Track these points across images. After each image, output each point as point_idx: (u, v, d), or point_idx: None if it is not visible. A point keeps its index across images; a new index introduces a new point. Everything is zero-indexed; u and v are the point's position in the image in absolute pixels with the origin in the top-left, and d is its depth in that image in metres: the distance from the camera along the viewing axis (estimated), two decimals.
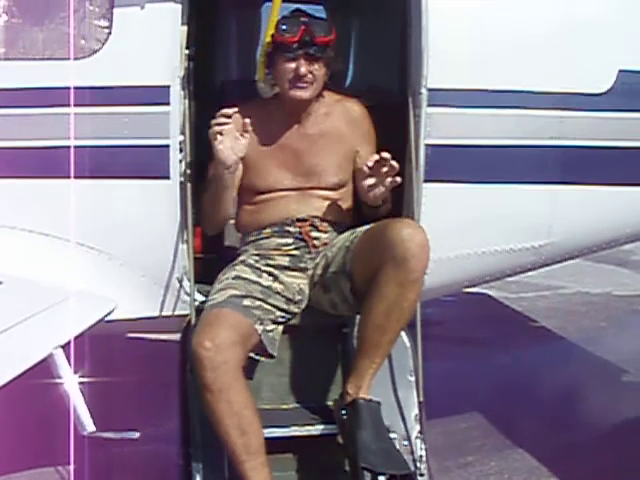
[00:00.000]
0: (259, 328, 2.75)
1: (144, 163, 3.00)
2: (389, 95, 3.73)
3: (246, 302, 2.77)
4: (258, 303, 2.81)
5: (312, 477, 2.92)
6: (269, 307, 2.84)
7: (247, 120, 2.86)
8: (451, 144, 3.22)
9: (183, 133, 3.00)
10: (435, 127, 3.15)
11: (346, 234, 3.00)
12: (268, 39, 2.98)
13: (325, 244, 3.03)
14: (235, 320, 2.69)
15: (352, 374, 2.76)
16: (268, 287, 2.88)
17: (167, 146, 2.98)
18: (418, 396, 3.01)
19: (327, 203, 3.07)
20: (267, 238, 3.03)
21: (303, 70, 2.90)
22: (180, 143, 3.00)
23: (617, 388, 5.71)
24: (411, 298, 2.70)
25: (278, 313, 2.88)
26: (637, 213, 3.57)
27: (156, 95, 2.94)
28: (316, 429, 2.86)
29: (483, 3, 3.17)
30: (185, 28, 2.95)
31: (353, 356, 2.82)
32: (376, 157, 2.83)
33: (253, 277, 2.89)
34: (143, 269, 3.08)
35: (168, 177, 3.00)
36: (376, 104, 3.55)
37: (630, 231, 3.67)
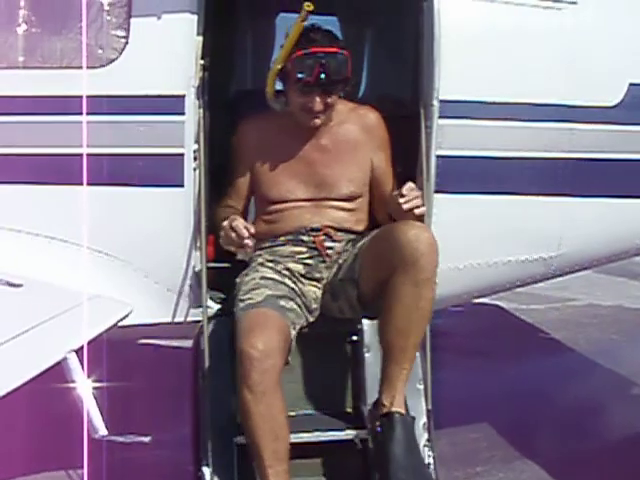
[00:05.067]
0: (292, 332, 2.79)
1: (159, 171, 3.04)
2: (401, 106, 3.75)
3: (282, 302, 2.82)
4: (291, 304, 2.85)
5: None
6: (298, 309, 2.89)
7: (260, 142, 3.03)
8: (462, 155, 3.24)
9: (198, 142, 3.02)
10: (446, 138, 3.17)
11: (357, 242, 3.01)
12: (279, 65, 2.93)
13: (339, 253, 3.03)
14: (280, 323, 2.73)
15: (384, 384, 2.76)
16: (293, 289, 2.92)
17: (182, 155, 3.01)
18: (427, 404, 3.03)
19: (341, 214, 3.07)
20: (282, 245, 3.04)
21: (318, 107, 2.91)
22: (194, 152, 3.03)
23: (627, 401, 5.71)
24: (427, 297, 2.72)
25: (301, 319, 2.90)
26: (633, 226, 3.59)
27: (172, 104, 2.97)
28: (326, 435, 2.88)
29: (495, 16, 3.18)
30: (200, 38, 2.98)
31: (382, 365, 2.82)
32: (403, 195, 2.78)
33: (278, 278, 2.93)
34: (157, 275, 3.11)
35: (182, 185, 3.03)
36: (388, 115, 3.57)
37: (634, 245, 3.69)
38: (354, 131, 3.11)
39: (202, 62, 3.01)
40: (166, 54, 2.96)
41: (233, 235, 2.78)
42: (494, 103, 3.19)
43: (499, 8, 3.17)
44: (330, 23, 4.61)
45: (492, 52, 3.16)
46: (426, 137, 3.17)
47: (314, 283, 3.00)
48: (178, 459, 3.49)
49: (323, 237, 3.02)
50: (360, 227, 3.12)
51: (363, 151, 3.11)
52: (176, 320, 3.16)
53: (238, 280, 2.97)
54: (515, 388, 5.46)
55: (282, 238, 3.04)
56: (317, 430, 2.89)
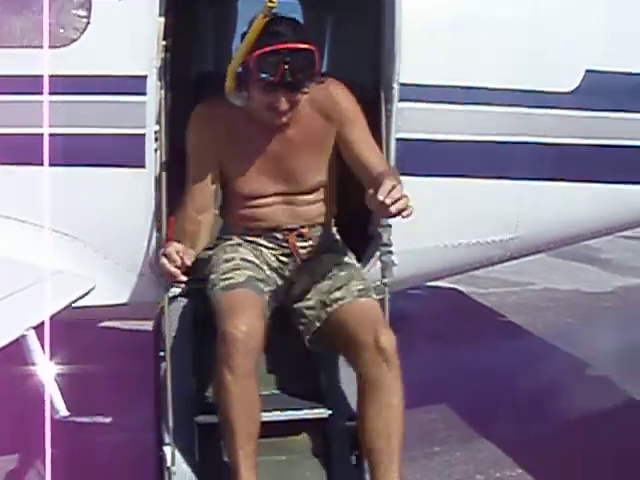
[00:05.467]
0: (268, 315, 2.79)
1: (120, 152, 3.03)
2: (363, 90, 3.77)
3: (262, 286, 2.82)
4: (267, 289, 2.85)
5: (289, 461, 2.98)
6: (272, 296, 2.88)
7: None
8: (422, 138, 3.28)
9: (159, 123, 3.03)
10: (406, 121, 3.20)
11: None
12: (240, 61, 2.74)
13: (310, 252, 2.99)
14: (261, 305, 2.74)
15: None
16: (269, 276, 2.92)
17: (143, 135, 3.01)
18: None
19: (312, 207, 3.00)
20: (256, 237, 2.98)
21: (284, 106, 2.73)
22: (156, 133, 3.03)
23: (583, 382, 5.84)
24: (399, 394, 2.71)
25: (271, 306, 2.89)
26: (601, 209, 3.65)
27: (133, 85, 2.97)
28: (286, 415, 2.92)
29: (455, 2, 3.23)
30: (162, 19, 2.98)
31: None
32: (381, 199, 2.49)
33: (257, 262, 2.92)
34: (117, 256, 3.11)
35: (144, 166, 3.03)
36: None
37: (595, 227, 3.76)
38: (315, 118, 2.92)
39: (164, 43, 3.01)
40: (128, 34, 2.95)
41: (165, 262, 2.71)
42: (453, 87, 3.23)
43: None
44: (292, 7, 4.64)
45: (451, 37, 3.19)
46: (386, 120, 3.20)
47: (282, 281, 2.99)
48: (140, 441, 3.50)
49: (296, 237, 2.97)
50: (329, 216, 3.08)
51: (328, 135, 2.96)
52: (136, 301, 3.17)
53: (213, 257, 2.95)
54: (473, 370, 5.55)
55: (255, 233, 2.99)
56: (277, 410, 2.92)
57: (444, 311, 7.09)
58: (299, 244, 2.97)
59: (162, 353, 2.97)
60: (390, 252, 3.11)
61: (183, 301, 3.04)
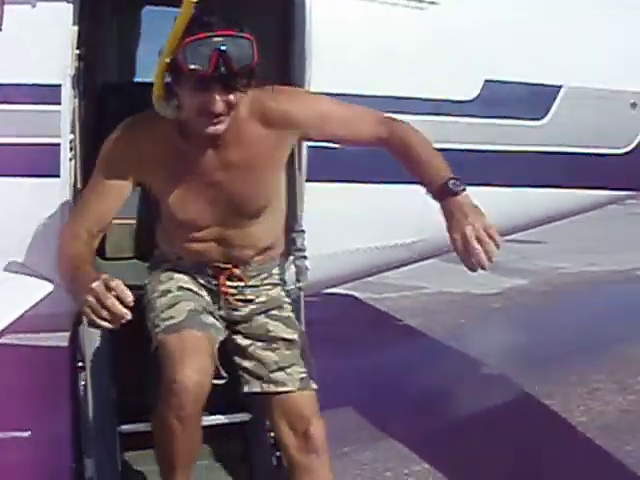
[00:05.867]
0: (215, 349, 2.61)
1: (35, 161, 2.98)
2: None
3: (203, 318, 2.61)
4: (211, 319, 2.65)
5: (210, 465, 3.04)
6: (217, 323, 2.69)
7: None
8: (331, 146, 3.36)
9: (73, 132, 3.00)
10: None
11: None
12: (167, 59, 2.35)
13: (243, 300, 2.75)
14: (207, 344, 2.54)
15: None
16: (208, 303, 2.73)
17: (58, 145, 2.97)
18: None
19: (256, 234, 2.69)
20: (188, 269, 2.74)
21: (218, 107, 2.32)
22: (70, 142, 3.00)
23: (477, 380, 6.10)
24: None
25: (220, 334, 2.68)
26: (499, 212, 3.82)
27: (47, 94, 2.93)
28: (209, 420, 2.93)
29: (363, 12, 3.31)
30: (76, 28, 2.95)
31: None
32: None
33: (195, 288, 2.71)
34: (32, 266, 3.06)
35: (58, 175, 2.99)
36: None
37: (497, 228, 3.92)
38: (257, 131, 2.57)
39: (78, 52, 2.98)
40: (41, 43, 2.91)
41: (111, 303, 2.13)
42: (361, 96, 3.31)
43: (366, 5, 3.29)
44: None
45: (360, 47, 3.28)
46: None
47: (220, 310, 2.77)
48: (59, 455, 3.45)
49: (227, 279, 2.71)
50: (274, 247, 2.82)
51: (281, 148, 2.65)
52: (53, 312, 3.13)
53: (149, 286, 2.74)
54: (375, 373, 5.70)
55: (187, 263, 2.74)
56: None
57: (342, 317, 7.22)
58: (229, 284, 2.72)
59: (80, 364, 2.96)
60: (304, 257, 3.18)
61: None
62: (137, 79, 4.57)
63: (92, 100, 3.58)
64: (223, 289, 2.71)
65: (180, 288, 2.66)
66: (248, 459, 3.07)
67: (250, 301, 2.77)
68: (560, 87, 3.74)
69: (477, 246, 2.26)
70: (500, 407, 5.61)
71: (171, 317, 2.56)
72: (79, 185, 3.01)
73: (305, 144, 3.25)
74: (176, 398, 2.42)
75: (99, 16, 3.96)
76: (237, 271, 2.70)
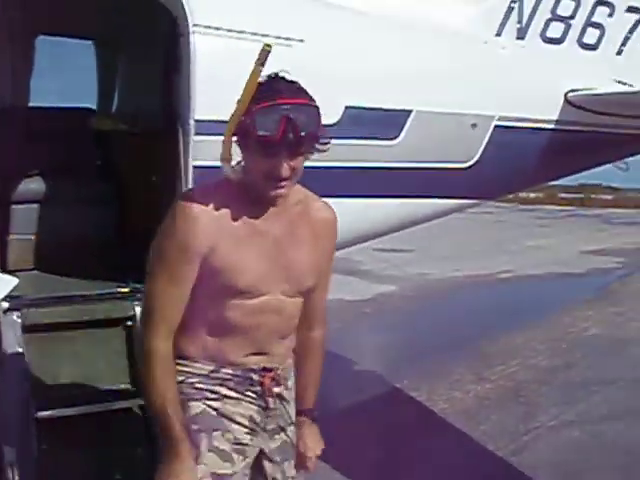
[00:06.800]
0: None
1: None
2: (155, 123, 4.21)
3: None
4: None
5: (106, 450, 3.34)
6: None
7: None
8: (213, 166, 3.73)
9: None
10: (200, 152, 3.57)
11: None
12: (235, 123, 2.32)
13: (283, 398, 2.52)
14: None
15: None
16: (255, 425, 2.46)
17: None
18: None
19: (296, 320, 2.51)
20: (226, 381, 2.42)
21: (285, 173, 2.29)
22: None
23: (351, 376, 6.65)
24: None
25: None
26: (362, 220, 4.32)
27: None
28: (110, 406, 3.31)
29: (237, 48, 3.60)
30: None
31: None
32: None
33: (227, 449, 2.41)
34: None
35: None
36: (143, 131, 4.03)
37: (355, 235, 4.41)
38: (307, 224, 2.49)
39: None
40: None
41: None
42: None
43: (240, 43, 3.64)
44: (86, 47, 4.98)
45: (236, 79, 3.68)
46: (184, 151, 3.60)
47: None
48: None
49: (272, 381, 2.46)
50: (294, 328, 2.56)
51: (318, 247, 2.51)
52: None
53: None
54: None
55: (224, 371, 2.42)
56: (102, 402, 3.33)
57: None
58: (275, 390, 2.47)
59: None
60: None
61: (14, 313, 3.33)
62: (31, 104, 4.79)
63: None
64: (268, 394, 2.46)
65: (235, 444, 2.41)
66: (144, 440, 3.35)
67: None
68: (410, 111, 4.30)
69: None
70: (372, 400, 6.18)
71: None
72: None
73: (191, 164, 3.62)
74: None
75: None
76: (279, 371, 2.48)
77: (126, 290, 3.62)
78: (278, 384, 2.45)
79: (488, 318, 9.01)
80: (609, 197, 39.02)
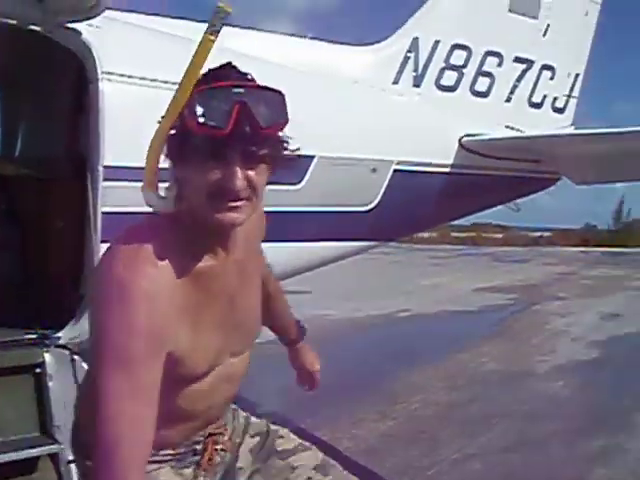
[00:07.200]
0: None
1: None
2: (61, 168, 4.19)
3: None
4: None
5: None
6: None
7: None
8: (121, 212, 3.70)
9: None
10: (109, 197, 3.61)
11: None
12: (167, 124, 1.71)
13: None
14: None
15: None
16: None
17: None
18: None
19: (244, 377, 2.14)
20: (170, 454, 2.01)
21: (239, 184, 1.66)
22: None
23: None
24: None
25: None
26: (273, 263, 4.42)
27: None
28: (25, 454, 3.28)
29: (151, 95, 3.66)
30: None
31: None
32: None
33: None
34: None
35: None
36: (48, 176, 4.02)
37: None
38: (255, 235, 2.04)
39: None
40: None
41: None
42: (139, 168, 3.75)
43: (154, 91, 3.68)
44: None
45: (139, 123, 3.73)
46: (93, 197, 3.60)
47: None
48: None
49: (214, 445, 2.09)
50: None
51: (253, 244, 2.04)
52: None
53: None
54: None
55: (165, 452, 1.98)
56: (11, 451, 3.27)
57: None
58: (215, 451, 2.10)
59: None
60: None
61: None
62: None
63: None
64: (207, 460, 2.07)
65: None
66: None
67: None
68: (313, 157, 4.44)
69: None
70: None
71: None
72: None
73: (100, 210, 3.63)
74: None
75: None
76: (224, 429, 2.14)
77: (34, 336, 3.58)
78: (221, 441, 2.09)
79: (389, 357, 9.18)
80: (499, 235, 40.36)
